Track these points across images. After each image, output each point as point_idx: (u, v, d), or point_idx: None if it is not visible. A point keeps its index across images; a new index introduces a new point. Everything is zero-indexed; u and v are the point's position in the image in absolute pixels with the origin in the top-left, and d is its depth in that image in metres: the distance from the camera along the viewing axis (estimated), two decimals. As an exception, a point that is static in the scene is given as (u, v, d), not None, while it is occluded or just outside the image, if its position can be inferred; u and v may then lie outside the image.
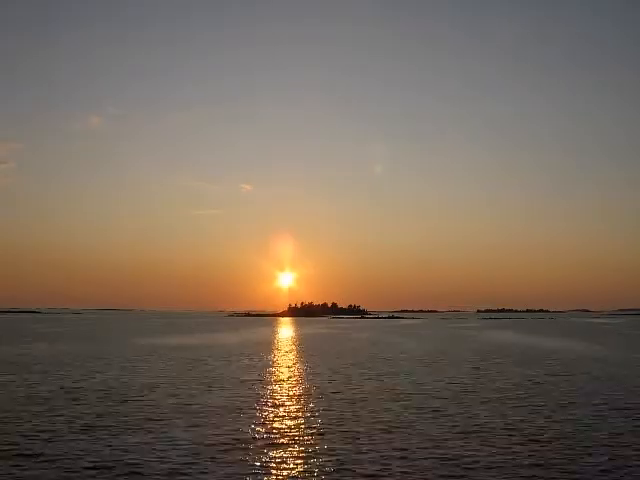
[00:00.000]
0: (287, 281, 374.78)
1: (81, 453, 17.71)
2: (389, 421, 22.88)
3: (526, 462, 17.13)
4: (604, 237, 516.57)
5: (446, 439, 19.88)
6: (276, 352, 61.06)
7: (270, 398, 28.62)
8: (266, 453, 17.93)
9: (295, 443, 19.33)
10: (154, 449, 18.20)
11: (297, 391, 31.33)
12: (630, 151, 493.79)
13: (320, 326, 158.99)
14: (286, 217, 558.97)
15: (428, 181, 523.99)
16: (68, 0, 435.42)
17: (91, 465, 16.48)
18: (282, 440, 19.72)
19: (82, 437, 19.77)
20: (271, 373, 40.69)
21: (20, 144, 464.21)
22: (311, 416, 23.89)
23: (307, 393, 30.43)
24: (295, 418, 23.69)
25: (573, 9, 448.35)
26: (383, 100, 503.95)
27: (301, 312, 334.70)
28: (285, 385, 34.01)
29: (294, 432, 20.92)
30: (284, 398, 28.76)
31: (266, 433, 20.73)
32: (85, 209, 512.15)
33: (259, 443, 19.18)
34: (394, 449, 18.48)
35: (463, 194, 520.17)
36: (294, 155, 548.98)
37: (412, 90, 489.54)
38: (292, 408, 26.09)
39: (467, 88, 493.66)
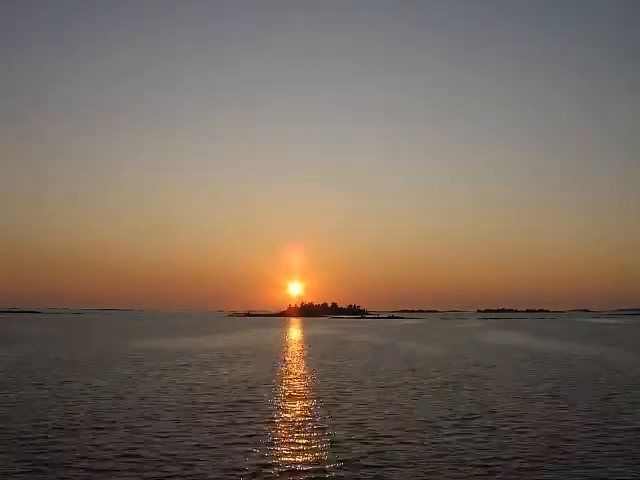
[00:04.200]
0: (296, 289, 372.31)
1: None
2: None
3: None
4: (604, 237, 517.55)
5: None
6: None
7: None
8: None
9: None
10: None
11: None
12: (632, 152, 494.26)
13: (323, 327, 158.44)
14: (286, 217, 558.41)
15: (428, 181, 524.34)
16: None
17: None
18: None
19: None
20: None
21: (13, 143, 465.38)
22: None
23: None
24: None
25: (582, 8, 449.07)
26: (383, 99, 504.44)
27: (301, 312, 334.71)
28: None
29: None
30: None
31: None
32: (85, 209, 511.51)
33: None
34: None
35: (463, 194, 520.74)
36: (291, 155, 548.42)
37: (412, 89, 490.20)
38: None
39: (470, 84, 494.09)
